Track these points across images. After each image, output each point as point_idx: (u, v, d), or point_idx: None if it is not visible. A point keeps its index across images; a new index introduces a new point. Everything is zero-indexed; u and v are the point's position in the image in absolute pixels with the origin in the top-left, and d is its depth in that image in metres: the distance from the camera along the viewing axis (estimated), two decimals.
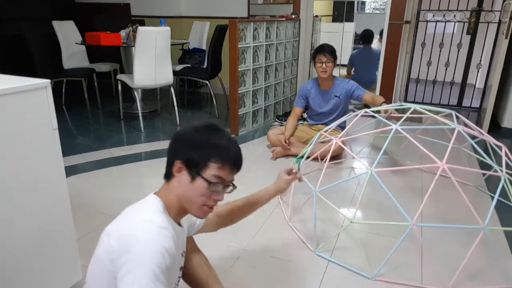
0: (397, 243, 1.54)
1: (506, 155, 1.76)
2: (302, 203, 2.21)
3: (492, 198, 2.17)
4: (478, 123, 3.79)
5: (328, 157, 2.01)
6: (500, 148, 1.81)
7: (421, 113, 1.98)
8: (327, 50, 2.77)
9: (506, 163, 1.72)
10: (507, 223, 1.79)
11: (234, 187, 1.01)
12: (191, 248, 1.24)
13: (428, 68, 4.30)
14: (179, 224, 1.06)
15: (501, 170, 1.64)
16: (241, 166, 1.01)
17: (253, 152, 3.00)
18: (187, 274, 1.22)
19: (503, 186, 1.59)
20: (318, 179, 1.85)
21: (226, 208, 1.36)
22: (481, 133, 1.87)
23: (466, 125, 1.98)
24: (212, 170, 0.95)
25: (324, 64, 2.76)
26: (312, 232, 1.87)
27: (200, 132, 0.99)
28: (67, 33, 4.05)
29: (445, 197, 2.13)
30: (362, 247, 1.82)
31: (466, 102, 4.39)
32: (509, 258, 1.74)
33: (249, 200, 1.42)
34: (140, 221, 0.90)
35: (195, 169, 0.95)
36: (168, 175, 1.01)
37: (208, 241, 1.36)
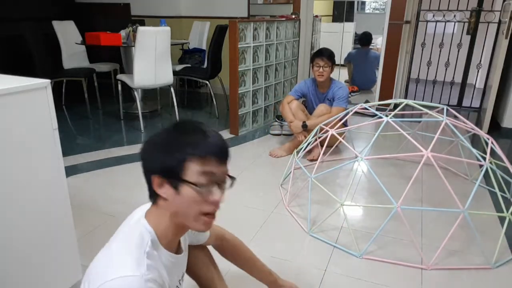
0: (383, 224, 1.71)
1: (493, 145, 1.93)
2: (300, 189, 2.38)
3: (490, 191, 2.34)
4: (478, 123, 3.79)
5: (325, 145, 2.19)
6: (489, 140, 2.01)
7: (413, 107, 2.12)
8: (325, 55, 2.81)
9: (498, 154, 1.93)
10: (500, 209, 1.87)
11: (233, 178, 0.87)
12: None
13: (428, 68, 4.30)
14: (178, 248, 0.95)
15: (485, 159, 1.81)
16: (229, 154, 0.86)
17: (253, 152, 3.00)
18: (191, 270, 1.22)
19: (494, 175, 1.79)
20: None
21: (234, 242, 1.27)
22: (471, 127, 2.02)
23: (457, 119, 2.09)
24: (194, 169, 0.79)
25: (321, 68, 2.80)
26: (307, 215, 2.02)
27: (168, 133, 0.84)
28: (67, 33, 4.05)
29: (437, 184, 2.38)
30: (351, 228, 1.96)
31: (466, 102, 4.39)
32: (487, 240, 1.83)
33: (252, 258, 1.30)
34: (114, 276, 0.74)
35: (174, 177, 0.80)
36: (152, 196, 0.86)
37: None
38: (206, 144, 0.81)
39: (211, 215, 0.84)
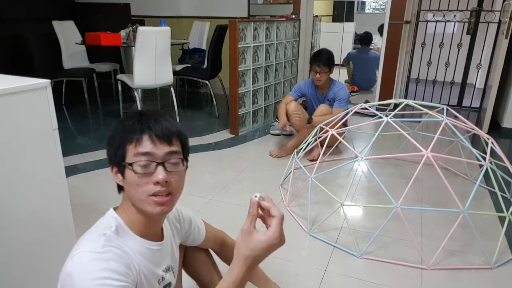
0: (383, 224, 1.70)
1: (493, 145, 1.93)
2: (300, 189, 2.38)
3: (490, 191, 2.34)
4: (478, 123, 3.79)
5: (325, 145, 2.19)
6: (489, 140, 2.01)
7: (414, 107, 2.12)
8: (322, 61, 2.79)
9: (498, 154, 1.93)
10: (500, 209, 1.87)
11: (182, 160, 0.86)
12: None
13: (428, 68, 4.30)
14: (159, 236, 0.96)
15: (484, 159, 1.81)
16: (170, 133, 0.85)
17: (253, 152, 3.00)
18: (192, 270, 1.22)
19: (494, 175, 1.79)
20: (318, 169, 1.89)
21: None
22: (471, 127, 2.02)
23: (457, 119, 2.10)
24: (131, 152, 0.82)
25: (318, 74, 2.82)
26: (307, 215, 2.03)
27: (116, 124, 0.89)
28: (67, 33, 4.05)
29: (437, 184, 2.40)
30: (351, 228, 1.96)
31: (466, 102, 4.39)
32: (487, 240, 1.83)
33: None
34: (74, 255, 0.79)
35: (119, 162, 0.84)
36: (117, 186, 0.91)
37: None
38: (139, 125, 0.83)
39: (160, 196, 0.83)
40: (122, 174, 0.84)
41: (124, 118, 0.88)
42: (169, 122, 0.86)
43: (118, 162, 0.84)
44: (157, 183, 0.81)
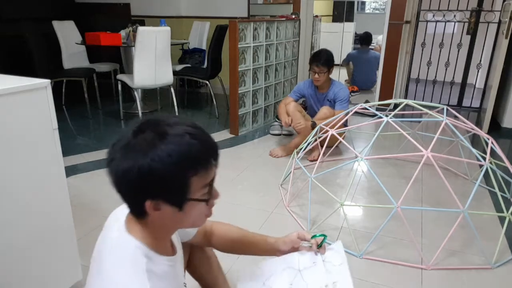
0: (383, 224, 1.71)
1: (493, 145, 1.94)
2: (300, 189, 2.38)
3: (490, 191, 2.34)
4: (478, 123, 3.79)
5: (325, 145, 2.20)
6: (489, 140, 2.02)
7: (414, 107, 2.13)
8: (321, 61, 2.79)
9: (498, 154, 1.94)
10: (500, 209, 1.87)
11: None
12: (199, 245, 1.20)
13: (428, 68, 4.30)
14: (172, 247, 0.89)
15: (484, 159, 1.82)
16: (218, 150, 0.77)
17: (253, 152, 3.00)
18: (195, 271, 1.21)
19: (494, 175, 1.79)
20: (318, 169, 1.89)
21: (220, 232, 1.15)
22: (471, 127, 2.02)
23: (457, 119, 2.10)
24: (198, 184, 0.72)
25: (317, 74, 2.82)
26: (307, 215, 2.04)
27: (155, 148, 0.68)
28: (67, 33, 4.05)
29: (437, 184, 2.40)
30: (352, 228, 1.97)
31: (466, 102, 4.39)
32: (487, 240, 1.83)
33: (244, 238, 1.16)
34: None
35: (179, 198, 0.72)
36: (139, 213, 0.76)
37: None
38: (200, 150, 0.71)
39: (211, 212, 0.81)
40: (179, 206, 0.73)
41: (165, 139, 0.69)
42: (205, 132, 0.76)
43: (176, 197, 0.72)
44: (214, 203, 0.79)
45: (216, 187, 0.78)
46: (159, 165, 0.67)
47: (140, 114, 3.51)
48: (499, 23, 3.85)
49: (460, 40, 4.15)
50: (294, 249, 1.08)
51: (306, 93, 3.02)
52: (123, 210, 0.83)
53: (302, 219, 2.04)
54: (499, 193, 1.85)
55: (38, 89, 1.19)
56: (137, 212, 0.76)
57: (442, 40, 4.17)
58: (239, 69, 3.21)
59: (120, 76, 3.59)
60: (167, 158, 0.67)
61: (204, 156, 0.72)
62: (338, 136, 2.15)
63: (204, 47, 4.44)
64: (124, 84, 3.55)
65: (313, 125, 2.75)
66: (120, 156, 0.70)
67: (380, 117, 2.01)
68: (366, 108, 2.22)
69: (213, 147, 0.75)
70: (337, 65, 4.38)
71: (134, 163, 0.67)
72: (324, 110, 2.82)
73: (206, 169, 0.72)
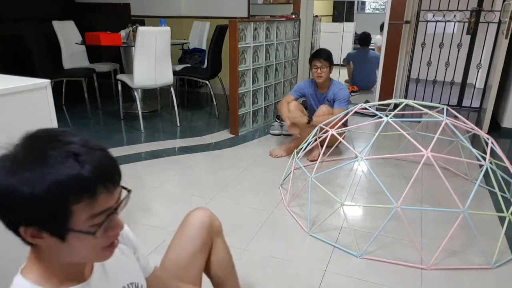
0: (383, 224, 1.71)
1: (493, 145, 1.94)
2: (300, 189, 2.38)
3: (490, 191, 2.34)
4: (478, 123, 3.79)
5: (325, 145, 2.20)
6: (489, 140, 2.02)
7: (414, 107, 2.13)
8: (323, 56, 2.82)
9: (498, 154, 1.94)
10: (500, 209, 1.87)
11: (127, 191, 0.66)
12: (213, 240, 1.17)
13: (428, 68, 4.30)
14: (83, 273, 0.72)
15: (484, 159, 1.81)
16: (118, 170, 0.64)
17: (253, 152, 3.00)
18: (208, 269, 1.19)
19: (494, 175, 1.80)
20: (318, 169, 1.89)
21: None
22: (471, 127, 2.02)
23: (457, 119, 2.10)
24: (82, 214, 0.59)
25: (319, 69, 2.82)
26: (307, 215, 2.04)
27: (26, 167, 0.57)
28: (67, 33, 4.06)
29: (437, 184, 2.40)
30: (352, 228, 1.97)
31: (466, 102, 4.39)
32: (487, 240, 1.84)
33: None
34: None
35: (56, 228, 0.60)
36: (24, 241, 0.64)
37: None
38: (88, 173, 0.58)
39: (114, 245, 0.67)
40: (61, 238, 0.61)
41: (42, 156, 0.58)
42: (101, 147, 0.63)
43: (54, 226, 0.60)
44: (112, 235, 0.66)
45: (120, 216, 0.66)
46: (30, 189, 0.56)
47: (140, 114, 3.51)
48: (499, 23, 3.85)
49: (460, 40, 4.16)
50: None
51: (306, 92, 3.02)
52: None
53: (302, 219, 2.04)
54: (499, 193, 1.85)
55: (38, 89, 1.19)
56: (23, 240, 0.64)
57: (442, 40, 4.18)
58: (239, 69, 3.21)
59: (120, 76, 3.59)
60: (40, 183, 0.56)
61: (91, 182, 0.58)
62: (338, 136, 2.15)
63: (204, 47, 4.44)
64: (124, 84, 3.55)
65: (309, 120, 2.75)
66: None
67: (380, 117, 2.01)
68: (366, 108, 2.22)
69: (106, 171, 0.61)
70: (337, 65, 4.38)
71: (2, 184, 0.57)
72: (323, 108, 2.83)
73: (93, 197, 0.59)
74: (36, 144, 0.61)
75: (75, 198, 0.58)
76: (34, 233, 0.60)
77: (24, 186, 0.56)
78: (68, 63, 4.03)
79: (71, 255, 0.64)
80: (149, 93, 4.57)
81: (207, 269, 1.19)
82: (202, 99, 4.83)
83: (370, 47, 5.33)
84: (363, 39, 5.22)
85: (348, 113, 2.33)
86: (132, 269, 0.85)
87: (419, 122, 3.49)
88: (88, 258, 0.68)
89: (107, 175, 0.61)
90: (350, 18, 7.60)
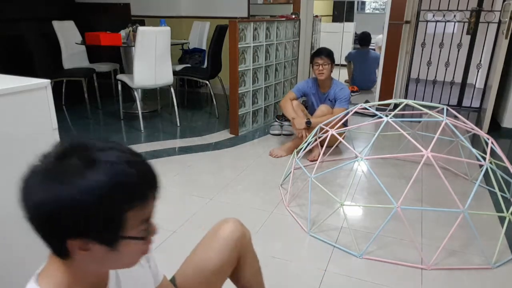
0: (383, 224, 1.71)
1: (493, 145, 1.94)
2: (300, 189, 2.39)
3: (490, 191, 2.34)
4: (478, 123, 3.79)
5: (325, 145, 2.20)
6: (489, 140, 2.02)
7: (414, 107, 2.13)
8: (324, 53, 2.84)
9: (498, 154, 1.95)
10: (500, 209, 1.87)
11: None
12: (244, 252, 1.11)
13: (428, 68, 4.30)
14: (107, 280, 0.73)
15: (484, 159, 1.81)
16: (158, 180, 0.65)
17: (253, 152, 3.00)
18: (237, 280, 1.14)
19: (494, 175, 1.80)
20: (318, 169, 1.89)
21: None
22: (471, 127, 2.02)
23: (457, 119, 2.10)
24: (134, 220, 0.60)
25: (320, 66, 2.82)
26: (307, 215, 2.04)
27: (70, 175, 0.56)
28: (67, 33, 4.05)
29: (437, 184, 2.40)
30: (352, 228, 1.97)
31: (466, 102, 4.39)
32: (487, 240, 1.83)
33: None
34: None
35: (110, 237, 0.60)
36: (61, 254, 0.62)
37: None
38: (140, 181, 0.60)
39: (148, 249, 0.68)
40: (111, 246, 0.60)
41: (91, 166, 0.56)
42: (144, 159, 0.64)
43: (107, 235, 0.59)
44: (151, 239, 0.67)
45: (154, 220, 0.67)
46: (85, 197, 0.54)
47: (140, 114, 3.51)
48: (499, 23, 3.85)
49: (460, 40, 4.16)
50: None
51: (308, 91, 3.03)
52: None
53: (302, 219, 2.04)
54: (499, 193, 1.85)
55: (38, 89, 1.19)
56: (59, 253, 0.62)
57: (442, 40, 4.17)
58: (239, 69, 3.21)
59: (120, 76, 3.59)
60: (96, 190, 0.55)
61: (142, 188, 0.61)
62: (338, 136, 2.15)
63: (204, 47, 4.44)
64: (124, 84, 3.55)
65: (308, 123, 2.75)
66: (34, 185, 0.58)
67: (380, 117, 2.01)
68: (366, 108, 2.22)
69: (153, 177, 0.64)
70: (337, 65, 4.38)
71: (51, 194, 0.55)
72: (322, 108, 2.84)
73: (144, 203, 0.61)
74: (75, 151, 0.59)
75: (129, 204, 0.59)
76: (82, 245, 0.59)
77: (76, 194, 0.54)
78: (68, 63, 4.02)
79: (115, 262, 0.65)
80: (149, 93, 4.57)
81: (235, 280, 1.13)
82: (202, 99, 4.83)
83: (370, 47, 5.33)
84: (363, 39, 5.22)
85: (348, 113, 2.33)
86: (144, 278, 0.84)
87: (419, 122, 3.49)
88: (129, 264, 0.67)
89: (154, 180, 0.63)
90: (350, 18, 7.60)
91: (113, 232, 0.59)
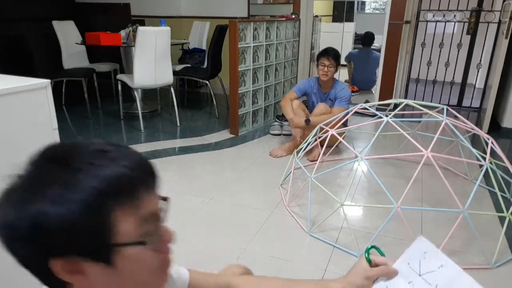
0: (383, 224, 1.71)
1: (493, 145, 1.94)
2: (300, 189, 2.39)
3: (490, 191, 2.35)
4: (478, 123, 3.79)
5: (325, 145, 2.19)
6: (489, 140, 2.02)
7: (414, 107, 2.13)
8: (331, 55, 2.84)
9: (498, 154, 1.95)
10: (500, 209, 1.87)
11: (164, 200, 0.54)
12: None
13: (428, 68, 4.30)
14: None
15: (484, 159, 1.82)
16: (152, 167, 0.52)
17: (253, 152, 3.00)
18: None
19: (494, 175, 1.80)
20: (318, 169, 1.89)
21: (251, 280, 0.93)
22: (471, 127, 2.03)
23: (457, 119, 2.10)
24: (126, 221, 0.47)
25: (326, 67, 2.82)
26: (307, 215, 2.04)
27: (49, 174, 0.47)
28: (67, 33, 4.05)
29: (437, 184, 2.37)
30: (352, 228, 1.97)
31: (466, 102, 4.39)
32: (487, 240, 1.83)
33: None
34: None
35: (98, 248, 0.47)
36: (51, 283, 0.49)
37: (208, 242, 1.36)
38: (123, 168, 0.48)
39: (168, 259, 0.55)
40: (106, 261, 0.47)
41: (68, 161, 0.47)
42: (139, 154, 0.52)
43: (95, 248, 0.47)
44: (166, 248, 0.54)
45: (167, 224, 0.54)
46: (57, 208, 0.44)
47: (140, 114, 3.50)
48: (499, 23, 3.85)
49: (460, 40, 4.15)
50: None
51: (309, 90, 3.02)
52: None
53: (302, 219, 2.04)
54: (499, 193, 1.85)
55: (38, 89, 1.19)
56: (50, 284, 0.50)
57: (442, 40, 4.17)
58: (239, 69, 3.21)
59: (120, 76, 3.59)
60: (70, 194, 0.44)
61: (128, 179, 0.48)
62: (338, 136, 2.15)
63: (204, 47, 4.44)
64: (124, 84, 3.55)
65: (307, 121, 2.75)
66: (3, 203, 0.47)
67: (380, 117, 2.02)
68: (366, 108, 2.22)
69: (141, 165, 0.51)
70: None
71: (21, 210, 0.45)
72: (321, 106, 2.84)
73: (135, 197, 0.48)
74: (49, 157, 0.51)
75: (115, 201, 0.46)
76: (71, 266, 0.47)
77: (52, 205, 0.44)
78: (68, 63, 4.02)
79: (123, 286, 0.50)
80: (149, 93, 4.57)
81: None
82: (202, 99, 4.83)
83: (372, 47, 5.30)
84: (365, 39, 5.20)
85: (348, 113, 2.33)
86: None
87: (419, 122, 3.48)
88: (144, 284, 0.52)
89: (144, 170, 0.51)
90: (350, 18, 7.59)
91: (102, 239, 0.46)
